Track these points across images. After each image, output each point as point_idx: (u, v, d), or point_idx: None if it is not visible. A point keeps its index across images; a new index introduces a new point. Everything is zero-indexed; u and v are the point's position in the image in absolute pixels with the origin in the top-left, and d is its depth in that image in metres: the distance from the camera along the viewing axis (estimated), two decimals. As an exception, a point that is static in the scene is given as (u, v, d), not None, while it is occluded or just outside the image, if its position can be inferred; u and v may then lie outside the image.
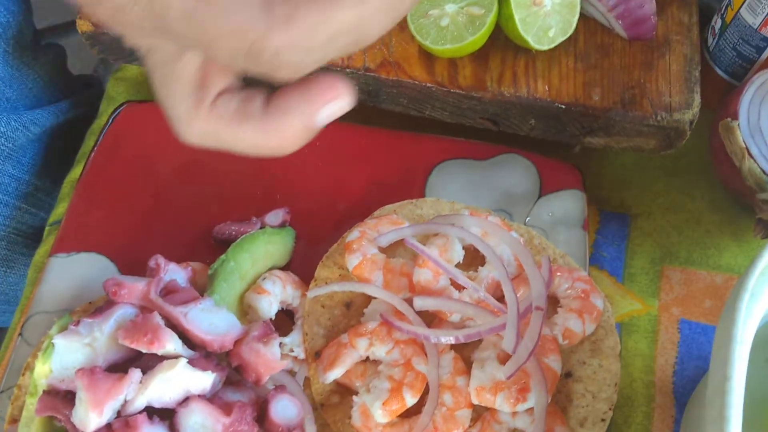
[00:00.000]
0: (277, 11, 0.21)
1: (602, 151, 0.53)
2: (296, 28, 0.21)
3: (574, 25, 0.48)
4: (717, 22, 0.52)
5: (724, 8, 0.51)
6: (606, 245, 0.50)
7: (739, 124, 0.45)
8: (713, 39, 0.52)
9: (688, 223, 0.51)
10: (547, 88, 0.48)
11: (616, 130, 0.48)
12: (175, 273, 0.45)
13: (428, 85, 0.48)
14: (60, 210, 0.52)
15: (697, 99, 0.47)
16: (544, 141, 0.50)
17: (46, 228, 0.52)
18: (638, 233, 0.51)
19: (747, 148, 0.45)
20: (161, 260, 0.44)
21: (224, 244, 0.47)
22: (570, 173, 0.50)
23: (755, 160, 0.45)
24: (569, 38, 0.48)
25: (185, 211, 0.50)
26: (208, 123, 0.26)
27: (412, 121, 0.52)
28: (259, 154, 0.26)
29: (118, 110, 0.52)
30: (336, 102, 0.25)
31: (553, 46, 0.48)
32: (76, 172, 0.53)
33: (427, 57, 0.48)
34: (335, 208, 0.50)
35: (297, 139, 0.26)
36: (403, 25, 0.49)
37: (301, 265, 0.48)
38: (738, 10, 0.49)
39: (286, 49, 0.21)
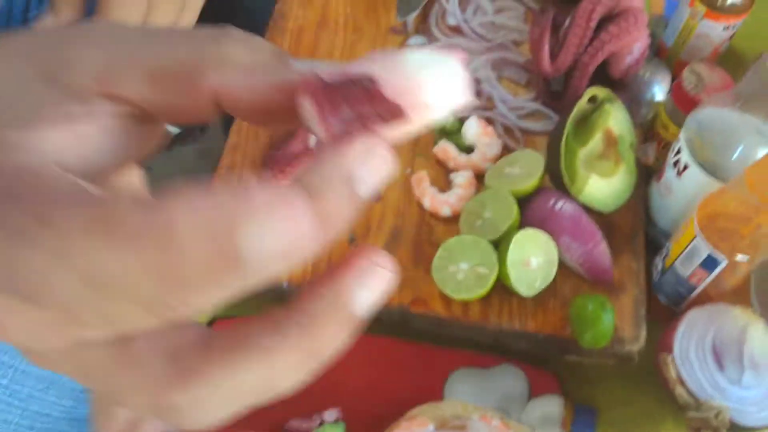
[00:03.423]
0: (183, 363, 0.19)
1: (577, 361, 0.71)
2: (196, 386, 0.19)
3: (553, 275, 0.65)
4: (659, 264, 0.70)
5: (663, 256, 0.69)
6: (579, 435, 0.67)
7: (673, 357, 0.63)
8: (657, 274, 0.70)
9: (641, 415, 0.68)
10: (534, 323, 0.65)
11: (585, 352, 0.65)
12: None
13: (446, 318, 0.65)
14: None
15: (643, 334, 0.64)
16: (534, 354, 0.68)
17: None
18: (603, 423, 0.68)
19: (679, 375, 0.62)
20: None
21: (295, 439, 0.63)
22: (552, 381, 0.67)
23: (685, 386, 0.62)
24: (550, 284, 0.66)
25: (261, 409, 0.66)
26: None
27: (434, 334, 0.69)
28: None
29: (210, 327, 0.68)
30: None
31: (538, 292, 0.65)
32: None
33: (446, 298, 0.65)
34: (377, 407, 0.67)
35: None
36: (428, 273, 0.66)
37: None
38: (673, 262, 0.67)
39: (185, 406, 0.19)
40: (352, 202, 0.19)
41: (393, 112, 0.20)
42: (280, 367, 0.19)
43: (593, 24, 0.74)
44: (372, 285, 0.20)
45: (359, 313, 0.20)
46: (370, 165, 0.19)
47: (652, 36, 0.87)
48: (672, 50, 0.83)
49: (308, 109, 0.20)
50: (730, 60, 0.84)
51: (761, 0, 0.80)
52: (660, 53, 0.85)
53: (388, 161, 0.20)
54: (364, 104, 0.20)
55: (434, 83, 0.20)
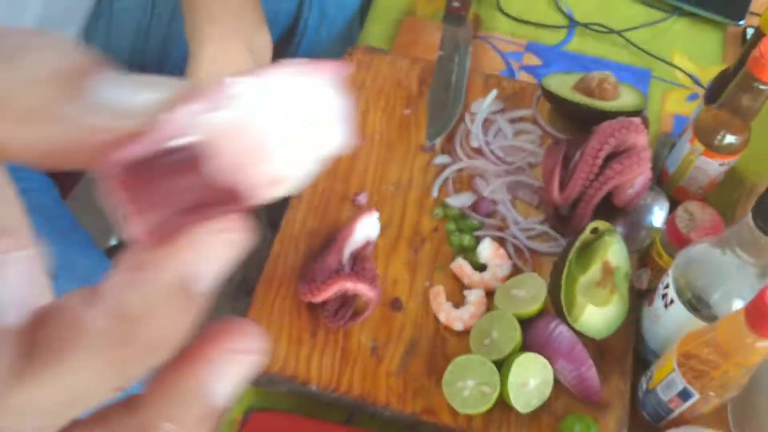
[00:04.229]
0: None
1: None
2: None
3: (548, 395, 0.75)
4: (644, 384, 0.79)
5: (648, 377, 0.78)
6: None
7: (647, 476, 0.72)
8: (641, 393, 0.79)
9: None
10: (529, 436, 0.75)
11: (572, 464, 0.75)
12: None
13: (453, 428, 0.75)
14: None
15: (624, 453, 0.74)
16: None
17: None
18: None
19: (652, 492, 0.72)
20: None
21: None
22: (542, 485, 0.77)
23: (656, 502, 0.71)
24: (545, 401, 0.75)
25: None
26: None
27: (441, 436, 0.79)
28: None
29: (246, 417, 0.79)
30: None
31: (534, 409, 0.75)
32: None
33: (453, 409, 0.76)
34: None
35: None
36: (439, 384, 0.76)
37: None
38: (655, 386, 0.76)
39: None
40: (182, 315, 0.16)
41: (225, 200, 0.16)
42: (81, 384, 0.16)
43: (599, 161, 0.84)
44: (232, 374, 0.17)
45: (220, 401, 0.17)
46: (205, 260, 0.16)
47: (656, 157, 0.96)
48: (673, 178, 0.92)
49: (116, 202, 0.16)
50: (727, 189, 0.92)
51: (757, 136, 0.88)
52: (663, 178, 0.94)
53: (227, 249, 0.16)
54: (188, 190, 0.16)
55: (289, 145, 0.16)
